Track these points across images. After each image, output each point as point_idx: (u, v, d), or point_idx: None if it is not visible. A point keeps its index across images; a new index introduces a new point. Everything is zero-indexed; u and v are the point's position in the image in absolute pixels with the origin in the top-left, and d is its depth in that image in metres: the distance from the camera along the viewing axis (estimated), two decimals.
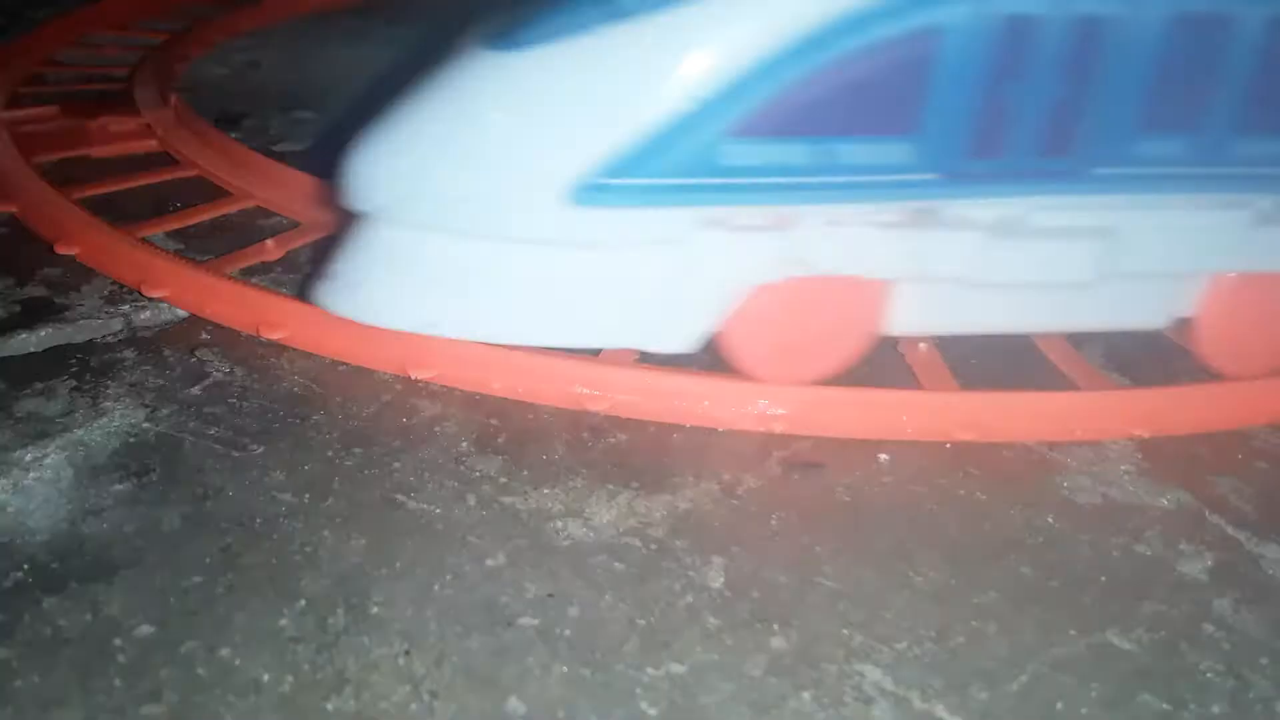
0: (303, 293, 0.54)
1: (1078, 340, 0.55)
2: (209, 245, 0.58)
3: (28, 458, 0.44)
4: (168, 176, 0.69)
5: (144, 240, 0.58)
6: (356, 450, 0.45)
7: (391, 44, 1.02)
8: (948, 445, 0.47)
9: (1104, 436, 0.48)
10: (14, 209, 0.63)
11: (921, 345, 0.53)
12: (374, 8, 1.13)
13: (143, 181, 0.68)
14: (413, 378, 0.50)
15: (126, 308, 0.55)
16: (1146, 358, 0.55)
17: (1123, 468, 0.47)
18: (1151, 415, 0.48)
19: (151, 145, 0.72)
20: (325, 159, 0.49)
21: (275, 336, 0.51)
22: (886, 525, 0.43)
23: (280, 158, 0.71)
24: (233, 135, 0.74)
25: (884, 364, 0.52)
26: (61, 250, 0.58)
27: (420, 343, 0.50)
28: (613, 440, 0.47)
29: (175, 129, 0.73)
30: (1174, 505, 0.44)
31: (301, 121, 0.82)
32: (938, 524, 0.43)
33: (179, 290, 0.54)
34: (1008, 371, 0.53)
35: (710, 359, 0.52)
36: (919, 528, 0.43)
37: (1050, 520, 0.43)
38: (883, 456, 0.47)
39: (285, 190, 0.66)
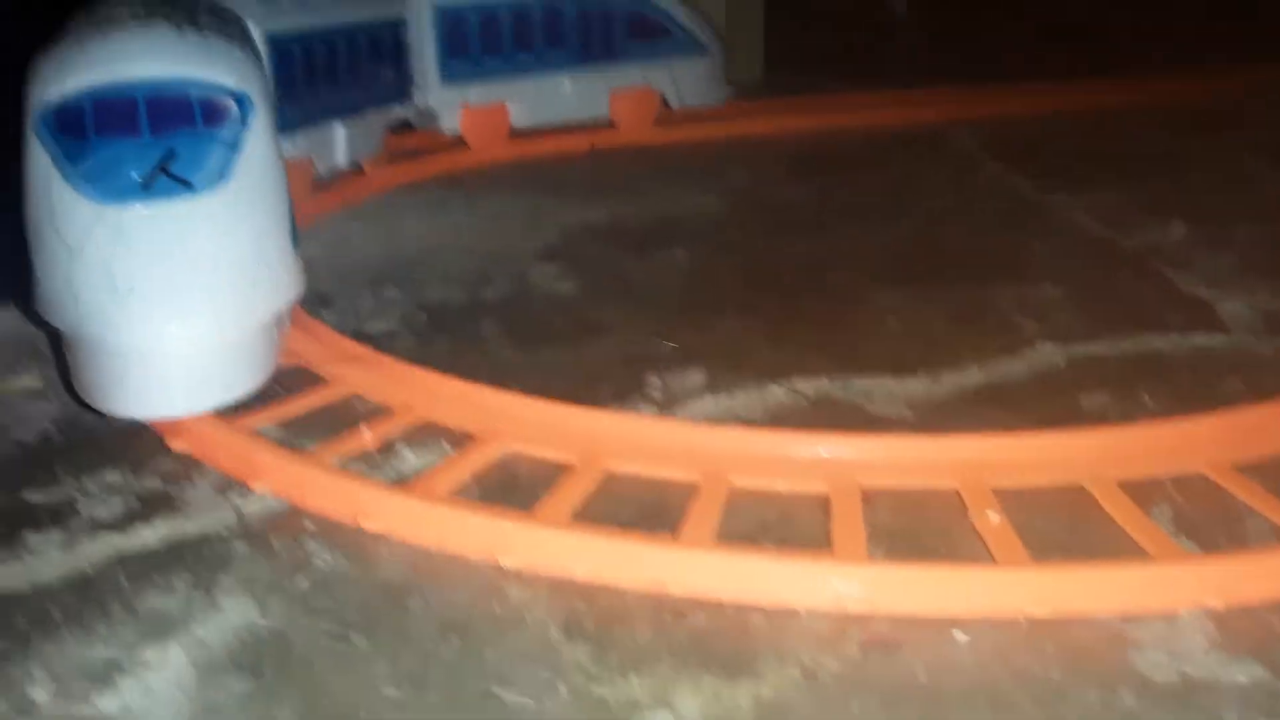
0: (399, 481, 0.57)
1: (1145, 501, 0.56)
2: (312, 432, 0.62)
3: (153, 657, 0.47)
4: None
5: (254, 432, 0.62)
6: (453, 639, 0.48)
7: (471, 212, 1.09)
8: (1023, 621, 0.49)
9: (1177, 607, 0.49)
10: None
11: (991, 514, 0.55)
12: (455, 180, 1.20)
13: None
14: (501, 565, 0.52)
15: (236, 498, 0.59)
16: (1214, 520, 0.56)
17: (1197, 640, 0.47)
18: (1224, 585, 0.49)
19: None
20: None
21: (373, 528, 0.54)
22: (966, 710, 0.44)
23: (370, 338, 0.75)
24: (325, 316, 0.79)
25: (955, 535, 0.54)
26: (173, 447, 0.62)
27: (507, 530, 0.53)
28: (694, 621, 0.49)
29: None
30: (1250, 681, 0.45)
31: (389, 301, 0.86)
32: (1016, 708, 0.44)
33: (282, 484, 0.58)
34: (1074, 537, 0.55)
35: (785, 535, 0.54)
36: (999, 712, 0.44)
37: (1129, 701, 0.44)
38: (959, 634, 0.48)
39: (378, 376, 0.69)
